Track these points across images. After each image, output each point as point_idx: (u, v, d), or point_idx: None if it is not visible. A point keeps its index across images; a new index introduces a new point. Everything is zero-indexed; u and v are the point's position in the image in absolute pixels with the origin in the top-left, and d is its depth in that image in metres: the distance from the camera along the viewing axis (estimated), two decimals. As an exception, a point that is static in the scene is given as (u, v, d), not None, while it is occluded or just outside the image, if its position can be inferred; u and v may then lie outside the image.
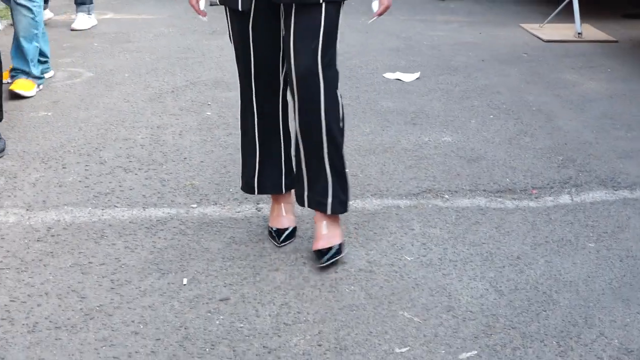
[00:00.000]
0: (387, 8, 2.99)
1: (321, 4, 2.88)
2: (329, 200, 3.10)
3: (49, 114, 4.80)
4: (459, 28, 7.46)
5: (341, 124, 3.07)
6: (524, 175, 3.96)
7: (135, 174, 3.91)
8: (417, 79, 5.64)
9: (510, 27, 7.49)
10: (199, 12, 3.09)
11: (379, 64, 6.04)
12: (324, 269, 3.04)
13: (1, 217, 3.46)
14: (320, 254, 3.05)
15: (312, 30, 2.91)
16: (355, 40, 6.83)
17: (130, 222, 3.42)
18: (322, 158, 3.05)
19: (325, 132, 3.00)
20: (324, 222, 3.13)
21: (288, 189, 3.31)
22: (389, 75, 5.70)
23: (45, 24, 5.48)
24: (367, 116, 4.83)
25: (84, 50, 6.39)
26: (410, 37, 7.00)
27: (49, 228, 3.36)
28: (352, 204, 3.60)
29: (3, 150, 4.12)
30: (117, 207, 3.57)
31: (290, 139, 3.28)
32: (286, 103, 3.19)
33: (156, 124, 4.64)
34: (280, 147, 3.25)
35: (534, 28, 7.25)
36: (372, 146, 4.33)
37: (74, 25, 7.15)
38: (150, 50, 6.43)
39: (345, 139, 4.32)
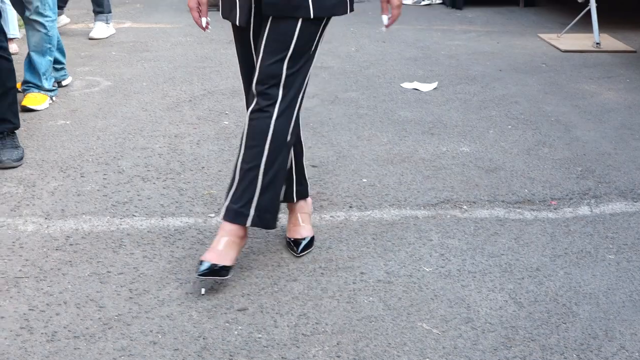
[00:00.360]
0: (395, 20, 3.04)
1: (297, 18, 2.89)
2: (251, 212, 3.00)
3: (67, 122, 4.82)
4: (476, 37, 7.44)
5: (289, 138, 3.01)
6: (542, 186, 3.94)
7: (154, 183, 3.92)
8: (434, 88, 5.63)
9: (528, 37, 7.47)
10: (201, 27, 3.10)
11: (396, 74, 6.04)
12: (339, 280, 3.04)
13: (20, 225, 3.47)
14: (201, 265, 2.93)
15: (282, 40, 2.91)
16: (373, 49, 6.83)
17: (148, 232, 3.42)
18: (258, 166, 2.98)
19: (269, 140, 2.96)
20: (225, 239, 3.00)
21: (301, 197, 3.31)
22: (407, 85, 5.70)
23: (60, 32, 5.50)
24: (385, 126, 4.82)
25: (102, 59, 6.42)
26: (428, 47, 6.99)
27: (68, 237, 3.37)
28: (370, 213, 3.61)
29: (21, 158, 4.14)
30: (135, 216, 3.57)
31: (302, 147, 3.28)
32: None
33: (174, 133, 4.64)
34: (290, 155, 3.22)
35: (552, 38, 7.24)
36: (390, 156, 4.32)
37: (92, 34, 7.19)
38: (168, 59, 6.45)
39: (364, 148, 4.38)
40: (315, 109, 5.13)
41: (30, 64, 5.05)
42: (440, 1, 9.21)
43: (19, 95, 4.66)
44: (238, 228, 3.02)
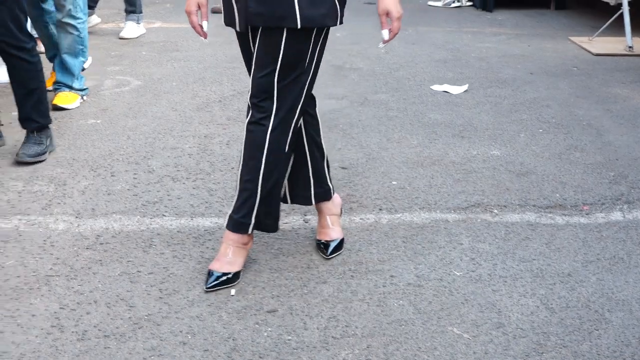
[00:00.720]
0: (395, 34, 2.93)
1: (283, 30, 2.83)
2: (252, 221, 3.01)
3: (98, 121, 4.84)
4: (507, 40, 7.40)
5: (286, 148, 2.99)
6: (574, 191, 3.90)
7: (183, 183, 3.93)
8: (465, 91, 5.60)
9: (559, 39, 7.42)
10: (201, 34, 3.04)
11: (426, 76, 6.01)
12: (369, 282, 3.03)
13: (51, 224, 3.48)
14: (210, 276, 2.98)
15: (271, 53, 2.86)
16: (403, 51, 6.81)
17: (178, 232, 3.43)
18: (257, 179, 2.97)
19: (266, 153, 2.94)
20: (231, 248, 3.03)
21: (321, 199, 3.27)
22: (437, 88, 5.67)
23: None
24: (415, 128, 4.80)
25: (133, 59, 6.45)
26: (458, 49, 6.95)
27: (98, 236, 3.38)
28: (400, 216, 3.59)
29: (39, 155, 4.13)
30: (165, 216, 3.58)
31: (322, 152, 3.23)
32: (306, 114, 3.13)
33: (204, 133, 4.65)
34: (306, 159, 3.19)
35: (584, 41, 7.17)
36: (420, 159, 4.30)
37: (123, 34, 7.22)
38: (198, 59, 6.46)
39: (393, 150, 4.36)
40: (345, 111, 5.12)
41: (62, 66, 5.07)
42: (471, 3, 9.17)
43: (49, 94, 4.69)
44: (241, 236, 3.04)
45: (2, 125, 4.45)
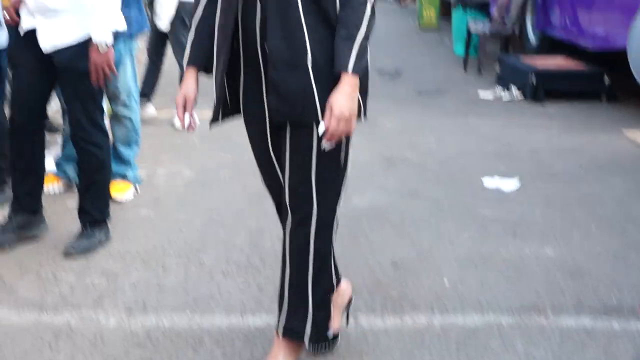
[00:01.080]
0: (333, 135, 2.66)
1: (312, 125, 2.72)
2: (308, 330, 2.95)
3: (150, 213, 4.88)
4: (558, 134, 7.35)
5: (332, 248, 2.94)
6: (630, 294, 3.82)
7: (234, 279, 3.92)
8: (517, 188, 5.54)
9: (611, 133, 7.35)
10: (183, 126, 2.93)
11: (477, 169, 5.97)
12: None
13: (102, 319, 3.49)
14: None
15: (303, 151, 2.76)
16: (453, 143, 6.80)
17: (228, 330, 3.41)
18: (306, 284, 2.90)
19: (312, 256, 2.86)
20: (282, 353, 2.99)
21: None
22: (488, 182, 5.62)
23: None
24: (466, 224, 4.76)
25: (185, 148, 6.51)
26: (509, 142, 6.92)
27: (148, 333, 3.38)
28: (453, 318, 3.54)
29: (85, 250, 4.15)
30: (215, 312, 3.57)
31: None
32: None
33: (255, 227, 4.66)
34: None
35: (637, 135, 7.11)
36: (472, 255, 4.25)
37: (176, 122, 7.31)
38: (249, 149, 6.46)
39: (445, 247, 4.32)
40: (395, 204, 5.10)
41: (117, 156, 5.14)
42: (522, 97, 9.15)
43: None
44: (293, 341, 3.00)
45: (42, 207, 4.43)
